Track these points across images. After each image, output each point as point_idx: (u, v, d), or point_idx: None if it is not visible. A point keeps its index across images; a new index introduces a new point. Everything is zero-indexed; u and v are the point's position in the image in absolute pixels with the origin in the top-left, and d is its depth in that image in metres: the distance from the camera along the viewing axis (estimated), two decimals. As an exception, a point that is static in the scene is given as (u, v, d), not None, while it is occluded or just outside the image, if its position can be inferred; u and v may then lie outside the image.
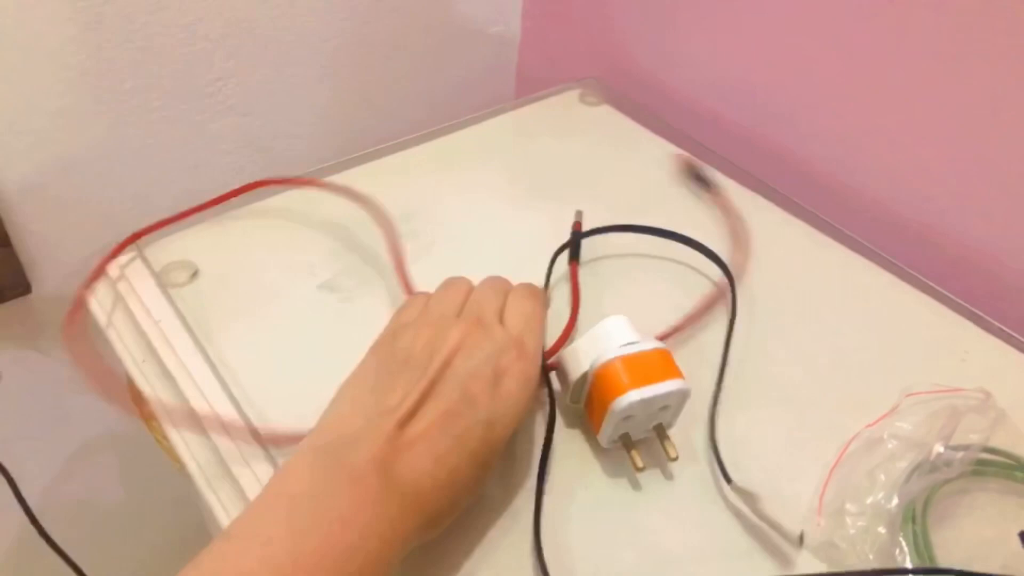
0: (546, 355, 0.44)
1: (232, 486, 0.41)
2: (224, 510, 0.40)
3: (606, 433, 0.40)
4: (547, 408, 0.42)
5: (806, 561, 0.37)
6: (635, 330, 0.41)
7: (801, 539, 0.37)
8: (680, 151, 0.62)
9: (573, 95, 0.71)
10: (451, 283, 0.43)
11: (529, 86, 0.84)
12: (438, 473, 0.33)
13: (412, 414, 0.34)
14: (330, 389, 0.38)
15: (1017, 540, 0.37)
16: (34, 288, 0.64)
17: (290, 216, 0.56)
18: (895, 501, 0.37)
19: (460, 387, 0.35)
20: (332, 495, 0.31)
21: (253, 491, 0.40)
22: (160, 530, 0.90)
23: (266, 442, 0.41)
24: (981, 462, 0.40)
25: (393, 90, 0.75)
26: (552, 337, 0.46)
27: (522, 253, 0.53)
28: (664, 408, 0.40)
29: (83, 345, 0.46)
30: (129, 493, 0.84)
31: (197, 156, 0.66)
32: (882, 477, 0.37)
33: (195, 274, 0.51)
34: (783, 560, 0.37)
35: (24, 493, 0.59)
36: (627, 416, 0.39)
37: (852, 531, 0.37)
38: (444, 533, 0.35)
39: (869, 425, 0.42)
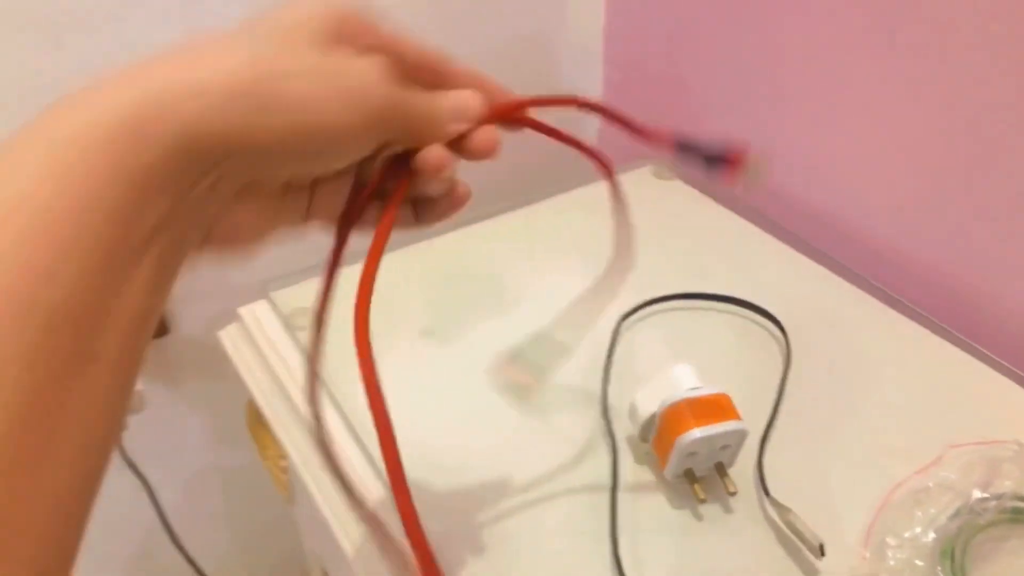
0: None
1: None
2: (346, 535, 0.47)
3: (672, 467, 0.45)
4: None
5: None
6: (699, 377, 0.47)
7: (822, 549, 0.41)
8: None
9: (647, 171, 0.78)
10: None
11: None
12: None
13: None
14: (432, 422, 0.44)
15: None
16: (172, 330, 0.73)
17: (398, 271, 0.64)
18: (932, 535, 0.41)
19: None
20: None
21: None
22: (265, 549, 0.98)
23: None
24: (1017, 509, 0.43)
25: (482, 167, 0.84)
26: None
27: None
28: (724, 448, 0.45)
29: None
30: (244, 513, 0.93)
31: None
32: (919, 514, 0.42)
33: (316, 320, 0.59)
34: (810, 569, 0.42)
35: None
36: (691, 452, 0.44)
37: (892, 562, 0.41)
38: (526, 553, 0.41)
39: (917, 473, 0.46)
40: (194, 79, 0.23)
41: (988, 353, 0.56)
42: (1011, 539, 0.44)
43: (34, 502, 0.21)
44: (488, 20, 0.78)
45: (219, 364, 0.78)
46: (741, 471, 0.47)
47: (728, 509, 0.46)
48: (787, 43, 0.67)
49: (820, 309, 0.60)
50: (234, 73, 0.24)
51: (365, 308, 0.32)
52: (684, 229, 0.70)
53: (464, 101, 0.32)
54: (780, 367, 0.55)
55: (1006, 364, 0.55)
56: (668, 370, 0.47)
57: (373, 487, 0.47)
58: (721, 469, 0.46)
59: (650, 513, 0.45)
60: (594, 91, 0.88)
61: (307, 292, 0.62)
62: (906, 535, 0.41)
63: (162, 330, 0.73)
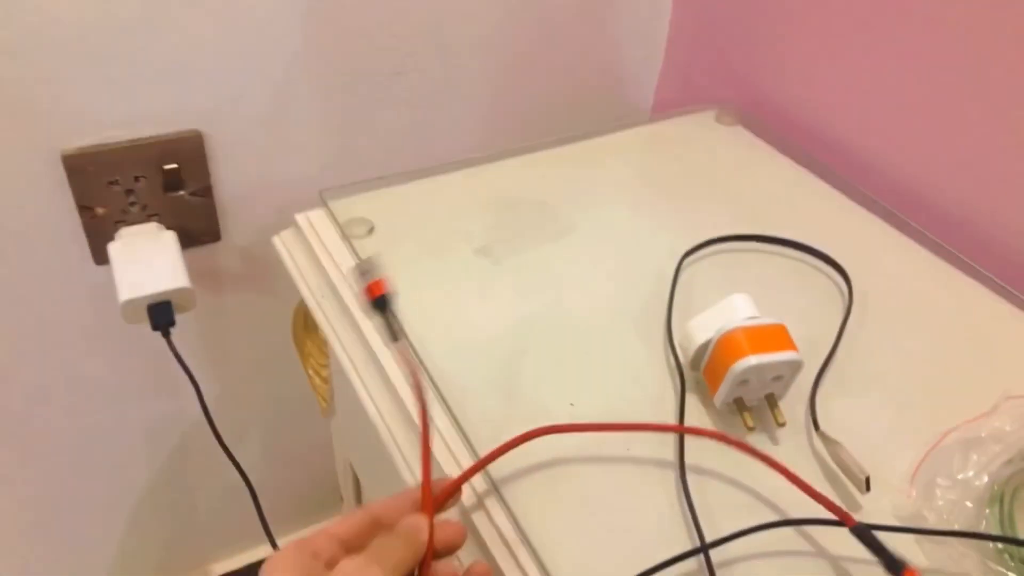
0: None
1: (407, 423, 0.48)
2: (392, 438, 0.47)
3: (722, 394, 0.45)
4: (677, 377, 0.48)
5: (896, 538, 0.41)
6: (756, 307, 0.47)
7: (868, 483, 0.41)
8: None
9: (709, 115, 0.77)
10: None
11: (665, 106, 0.90)
12: None
13: None
14: (477, 333, 0.44)
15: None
16: (223, 237, 0.74)
17: (456, 190, 0.64)
18: (984, 479, 0.40)
19: None
20: None
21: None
22: (300, 463, 1.00)
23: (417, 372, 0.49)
24: (1072, 463, 0.43)
25: (540, 98, 0.83)
26: None
27: (648, 248, 0.59)
28: (777, 379, 0.45)
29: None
30: (285, 426, 0.95)
31: (372, 139, 0.76)
32: (975, 458, 0.41)
33: (371, 230, 0.59)
34: (853, 504, 0.42)
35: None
36: (743, 380, 0.44)
37: (940, 502, 0.41)
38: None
39: (969, 421, 0.46)
40: None
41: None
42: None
43: None
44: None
45: (265, 276, 0.79)
46: (791, 407, 0.47)
47: (775, 440, 0.46)
48: (869, -12, 0.65)
49: (880, 260, 0.59)
50: None
51: None
52: (745, 174, 0.69)
53: (412, 523, 0.36)
54: (837, 313, 0.54)
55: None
56: (726, 299, 0.47)
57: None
58: (772, 400, 0.46)
59: (696, 440, 0.45)
60: (661, 31, 0.86)
61: (362, 203, 0.62)
62: (959, 476, 0.41)
63: (214, 236, 0.74)
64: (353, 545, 0.35)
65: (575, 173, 0.68)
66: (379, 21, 0.69)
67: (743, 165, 0.70)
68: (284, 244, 0.62)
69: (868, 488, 0.41)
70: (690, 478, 0.43)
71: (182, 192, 0.69)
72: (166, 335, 0.64)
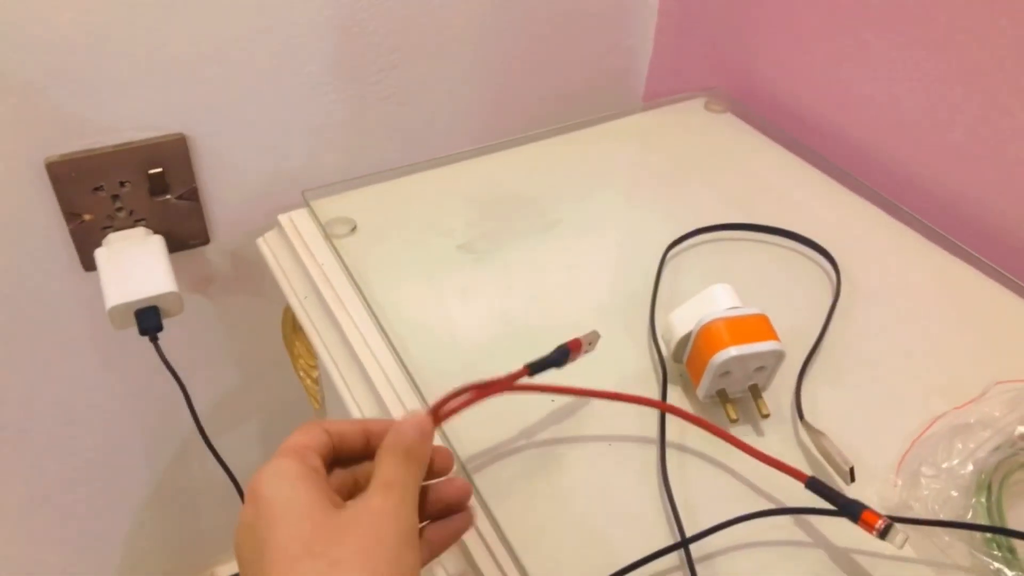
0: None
1: (381, 409, 0.48)
2: None
3: (704, 386, 0.44)
4: (660, 371, 0.48)
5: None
6: (738, 298, 0.46)
7: (852, 474, 0.40)
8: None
9: (698, 102, 0.76)
10: None
11: (656, 95, 0.89)
12: None
13: None
14: (459, 330, 0.44)
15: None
16: (212, 240, 0.74)
17: (441, 186, 0.64)
18: (970, 468, 0.40)
19: None
20: None
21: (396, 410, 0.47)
22: None
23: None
24: (1062, 448, 0.42)
25: (528, 90, 0.82)
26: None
27: (636, 239, 0.59)
28: (760, 369, 0.44)
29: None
30: (277, 427, 0.95)
31: (357, 137, 0.75)
32: (959, 446, 0.40)
33: (354, 229, 0.59)
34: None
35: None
36: (725, 372, 0.43)
37: (926, 492, 0.40)
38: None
39: (957, 407, 0.45)
40: None
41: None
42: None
43: None
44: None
45: (256, 278, 0.79)
46: (776, 397, 0.46)
47: (759, 431, 0.45)
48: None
49: (869, 246, 0.58)
50: None
51: None
52: (733, 162, 0.68)
53: (406, 424, 0.35)
54: (826, 300, 0.53)
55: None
56: (706, 289, 0.46)
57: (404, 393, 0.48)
58: (755, 391, 0.45)
59: (679, 432, 0.45)
60: (649, 19, 0.85)
61: (345, 202, 0.61)
62: (943, 465, 0.40)
63: (203, 239, 0.74)
64: (325, 457, 0.34)
65: (563, 165, 0.67)
66: (361, 19, 0.68)
67: (732, 153, 0.69)
68: (268, 245, 0.62)
69: (853, 478, 0.41)
70: (671, 469, 0.42)
71: (168, 196, 0.69)
72: (154, 340, 0.64)
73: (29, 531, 0.86)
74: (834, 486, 0.42)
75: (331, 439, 0.34)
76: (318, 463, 0.33)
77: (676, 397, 0.47)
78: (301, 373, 0.68)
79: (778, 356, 0.44)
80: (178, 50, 0.63)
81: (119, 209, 0.68)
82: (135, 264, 0.65)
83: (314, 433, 0.34)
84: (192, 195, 0.70)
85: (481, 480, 0.42)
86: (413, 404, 0.46)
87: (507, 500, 0.41)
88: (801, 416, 0.45)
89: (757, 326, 0.44)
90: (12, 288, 0.68)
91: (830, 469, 0.42)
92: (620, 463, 0.43)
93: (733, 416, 0.44)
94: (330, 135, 0.74)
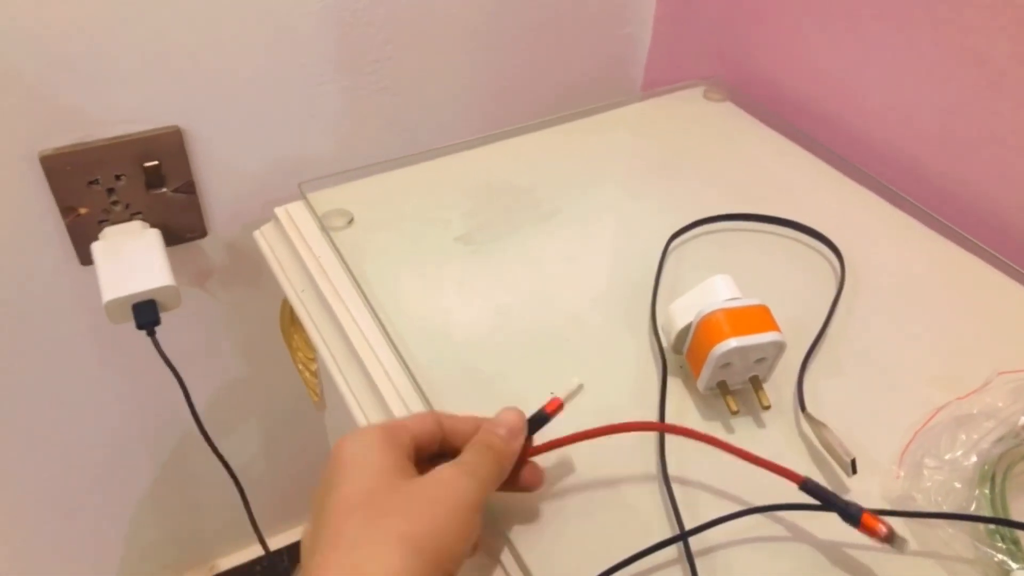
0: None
1: (379, 403, 0.47)
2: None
3: (705, 378, 0.44)
4: (660, 362, 0.47)
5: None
6: (738, 288, 0.45)
7: (853, 465, 0.40)
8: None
9: (697, 91, 0.75)
10: None
11: (655, 84, 0.88)
12: None
13: None
14: (457, 321, 0.44)
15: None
16: (210, 233, 0.73)
17: (438, 177, 0.63)
18: (973, 459, 0.39)
19: None
20: None
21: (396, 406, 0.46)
22: (297, 444, 1.00)
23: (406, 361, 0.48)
24: (1066, 439, 0.41)
25: (526, 80, 0.82)
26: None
27: (634, 229, 0.58)
28: (760, 361, 0.44)
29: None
30: (276, 421, 0.94)
31: (353, 128, 0.75)
32: (963, 437, 0.40)
33: (351, 221, 0.58)
34: (840, 488, 0.41)
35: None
36: (725, 363, 0.43)
37: (929, 483, 0.39)
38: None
39: (960, 398, 0.45)
40: None
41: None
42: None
43: None
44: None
45: (254, 271, 0.79)
46: (777, 389, 0.46)
47: (760, 423, 0.45)
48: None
49: (870, 235, 0.58)
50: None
51: None
52: (733, 150, 0.68)
53: (507, 418, 0.38)
54: (826, 290, 0.53)
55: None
56: (707, 280, 0.46)
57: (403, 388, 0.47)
58: (756, 383, 0.45)
59: (679, 421, 0.44)
60: (648, 7, 0.84)
61: (341, 194, 0.61)
62: (946, 457, 0.40)
63: (199, 232, 0.73)
64: (422, 444, 0.36)
65: (561, 155, 0.67)
66: (356, 9, 0.68)
67: (732, 141, 0.69)
68: (265, 238, 0.61)
69: (854, 470, 0.40)
70: (671, 464, 0.42)
71: (164, 189, 0.69)
72: (151, 334, 0.64)
73: (28, 526, 0.86)
74: (835, 480, 0.42)
75: (440, 431, 0.37)
76: (407, 441, 0.35)
77: (676, 389, 0.47)
78: (300, 366, 0.68)
79: (779, 347, 0.43)
80: (173, 42, 0.62)
81: (115, 202, 0.67)
82: (132, 258, 0.65)
83: (421, 419, 0.37)
84: (188, 188, 0.70)
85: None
86: (410, 397, 0.46)
87: (506, 493, 0.41)
88: (803, 407, 0.44)
89: (758, 317, 0.43)
90: (8, 282, 0.68)
91: (832, 461, 0.42)
92: (619, 456, 0.43)
93: (734, 408, 0.44)
94: (326, 127, 0.73)
